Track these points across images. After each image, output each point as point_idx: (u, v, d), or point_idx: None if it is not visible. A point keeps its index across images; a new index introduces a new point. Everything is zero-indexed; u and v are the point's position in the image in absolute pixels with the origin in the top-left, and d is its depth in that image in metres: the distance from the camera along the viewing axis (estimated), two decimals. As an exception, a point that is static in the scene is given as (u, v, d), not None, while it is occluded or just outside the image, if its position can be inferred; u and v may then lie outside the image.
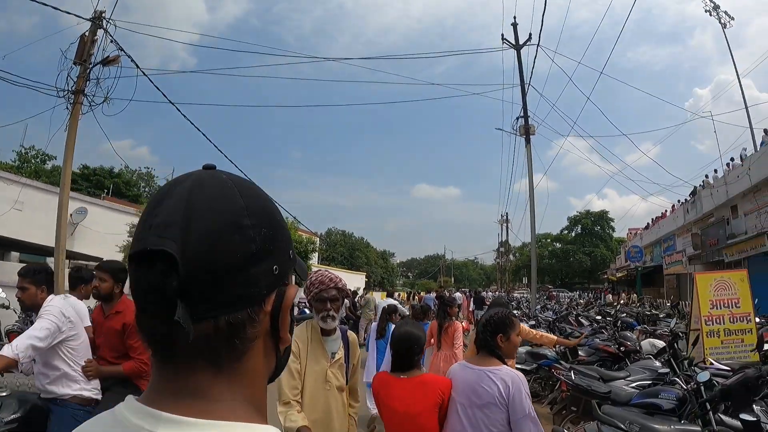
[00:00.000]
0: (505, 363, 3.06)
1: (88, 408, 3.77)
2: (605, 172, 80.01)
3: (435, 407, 3.02)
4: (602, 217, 69.86)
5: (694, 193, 29.01)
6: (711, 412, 4.44)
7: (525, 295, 44.15)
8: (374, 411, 7.23)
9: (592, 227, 69.41)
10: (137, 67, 12.09)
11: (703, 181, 28.42)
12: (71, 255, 16.91)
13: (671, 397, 4.96)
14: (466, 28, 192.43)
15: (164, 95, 12.81)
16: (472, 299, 24.75)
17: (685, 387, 4.92)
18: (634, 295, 31.38)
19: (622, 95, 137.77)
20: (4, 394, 3.80)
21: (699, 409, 4.53)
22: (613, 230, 68.91)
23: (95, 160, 71.88)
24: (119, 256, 17.38)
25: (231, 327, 0.66)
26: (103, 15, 11.73)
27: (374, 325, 8.60)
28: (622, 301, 28.43)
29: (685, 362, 6.02)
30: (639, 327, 12.36)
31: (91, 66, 11.66)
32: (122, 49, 11.78)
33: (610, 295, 37.66)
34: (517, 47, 20.10)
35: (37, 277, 3.89)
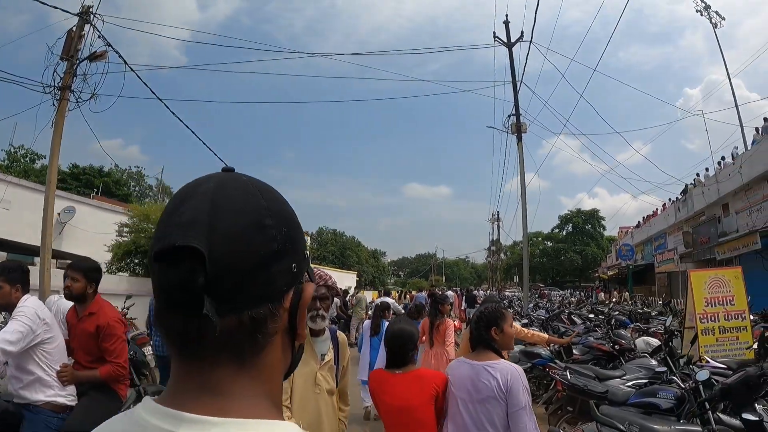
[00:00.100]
0: (502, 356, 3.09)
1: (62, 415, 3.61)
2: (597, 170, 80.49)
3: (431, 400, 3.07)
4: (593, 216, 70.30)
5: (685, 191, 29.12)
6: (710, 412, 4.37)
7: (516, 294, 44.24)
8: (368, 404, 7.34)
9: (583, 226, 69.82)
10: (125, 62, 11.97)
11: (694, 180, 28.56)
12: (58, 254, 16.71)
13: (669, 396, 4.88)
14: (459, 27, 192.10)
15: (152, 91, 12.66)
16: (463, 298, 24.74)
17: (683, 386, 4.85)
18: (626, 293, 31.41)
19: (612, 95, 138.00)
20: None
21: (698, 408, 4.46)
22: (604, 229, 69.49)
23: (85, 159, 71.21)
24: (107, 256, 17.19)
25: (254, 322, 0.68)
26: (91, 10, 11.58)
27: (367, 322, 8.59)
28: (614, 299, 28.48)
29: (681, 360, 5.95)
30: (632, 325, 12.33)
31: (78, 62, 11.50)
32: (110, 45, 11.63)
33: (602, 294, 37.76)
34: (509, 45, 20.02)
35: (11, 276, 3.67)
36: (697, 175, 28.43)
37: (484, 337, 3.10)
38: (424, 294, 19.93)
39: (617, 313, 15.34)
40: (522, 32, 19.85)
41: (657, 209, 36.88)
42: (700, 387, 4.57)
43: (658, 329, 10.63)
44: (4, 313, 5.06)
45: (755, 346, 7.78)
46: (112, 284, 14.59)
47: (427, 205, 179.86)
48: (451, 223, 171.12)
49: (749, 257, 18.89)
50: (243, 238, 0.67)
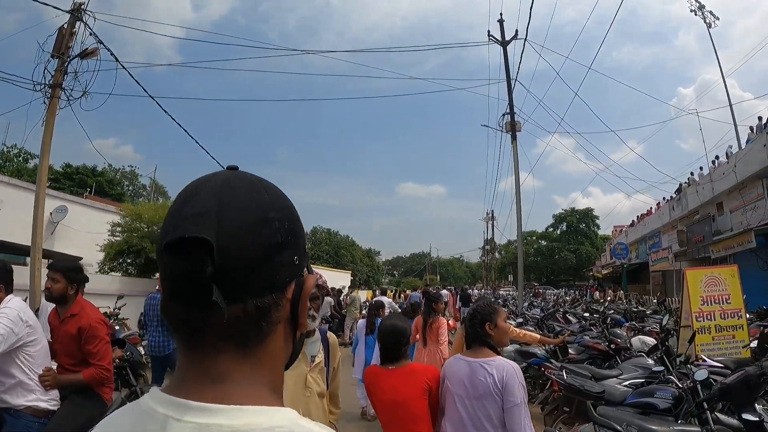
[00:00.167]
0: (498, 353, 3.11)
1: (44, 420, 3.51)
2: (591, 169, 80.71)
3: (424, 394, 3.12)
4: (587, 215, 70.50)
5: (679, 190, 29.19)
6: (708, 411, 4.31)
7: (511, 293, 44.28)
8: (365, 404, 7.38)
9: (578, 225, 70.00)
10: (116, 60, 11.88)
11: (688, 179, 28.61)
12: (50, 254, 16.56)
13: (667, 396, 4.83)
14: (453, 27, 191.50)
15: (143, 88, 12.61)
16: (458, 297, 24.71)
17: (680, 385, 4.80)
18: (621, 291, 31.48)
19: (607, 95, 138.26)
20: None
21: (696, 408, 4.40)
22: (598, 228, 69.69)
23: (79, 158, 70.76)
24: (100, 256, 17.09)
25: (258, 310, 0.71)
26: (82, 7, 11.49)
27: (362, 322, 8.60)
28: (609, 298, 28.50)
29: (678, 360, 5.90)
30: (627, 324, 12.29)
31: (69, 59, 11.40)
32: (101, 42, 11.56)
33: (597, 292, 37.80)
34: (504, 43, 19.98)
35: None
36: (692, 173, 28.50)
37: (479, 333, 3.11)
38: (418, 293, 19.93)
39: (612, 311, 15.31)
40: (516, 31, 19.88)
41: (651, 208, 37.01)
42: (699, 387, 4.51)
43: (654, 328, 10.61)
44: None
45: (754, 344, 7.75)
46: (104, 284, 14.53)
47: (421, 204, 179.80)
48: (446, 222, 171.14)
49: (744, 256, 18.92)
50: (249, 232, 0.70)
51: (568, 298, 32.38)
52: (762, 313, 12.02)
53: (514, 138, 19.72)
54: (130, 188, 57.89)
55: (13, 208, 18.23)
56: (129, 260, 16.97)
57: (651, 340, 8.39)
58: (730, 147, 24.09)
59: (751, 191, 20.23)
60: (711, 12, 32.55)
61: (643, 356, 7.12)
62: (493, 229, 58.29)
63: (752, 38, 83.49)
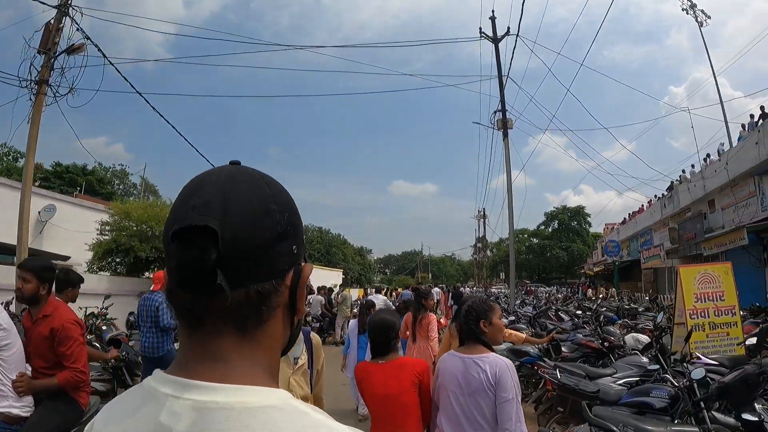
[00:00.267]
0: (492, 350, 3.10)
1: (16, 427, 3.36)
2: (583, 166, 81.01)
3: (414, 386, 3.18)
4: (579, 213, 70.79)
5: (671, 187, 29.27)
6: (705, 411, 4.24)
7: (502, 290, 44.32)
8: (358, 403, 7.39)
9: (569, 222, 70.30)
10: (103, 55, 11.73)
11: (680, 176, 28.67)
12: (37, 254, 16.36)
13: (663, 395, 4.74)
14: (444, 25, 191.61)
15: (131, 84, 12.45)
16: (450, 295, 24.65)
17: (676, 384, 4.72)
18: (613, 289, 31.56)
19: (598, 93, 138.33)
20: None
21: (693, 407, 4.33)
22: (590, 225, 69.99)
23: (70, 157, 70.24)
24: (89, 255, 16.89)
25: (259, 295, 0.74)
26: (69, 2, 11.34)
27: (353, 321, 8.55)
28: (601, 296, 28.55)
29: (673, 358, 5.83)
30: (620, 321, 12.25)
31: (55, 55, 11.24)
32: (88, 38, 11.45)
33: (589, 290, 37.91)
34: (495, 40, 19.94)
35: None
36: (683, 171, 28.56)
37: (474, 330, 3.12)
38: (410, 291, 19.86)
39: (604, 309, 15.29)
40: (508, 28, 19.89)
41: (643, 206, 37.09)
42: (695, 385, 4.43)
43: (647, 325, 10.58)
44: None
45: (750, 341, 7.70)
46: (93, 284, 14.32)
47: (413, 202, 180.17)
48: (437, 221, 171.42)
49: (736, 253, 18.91)
50: (252, 222, 0.73)
51: (560, 296, 32.48)
52: (755, 310, 12.03)
53: (505, 135, 19.72)
54: (121, 187, 57.58)
55: (2, 207, 18.02)
56: (118, 259, 16.78)
57: (644, 338, 8.34)
58: (722, 145, 24.20)
59: (743, 189, 20.28)
60: (702, 11, 32.78)
61: (637, 354, 7.05)
62: (484, 227, 58.32)
63: (743, 37, 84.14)
